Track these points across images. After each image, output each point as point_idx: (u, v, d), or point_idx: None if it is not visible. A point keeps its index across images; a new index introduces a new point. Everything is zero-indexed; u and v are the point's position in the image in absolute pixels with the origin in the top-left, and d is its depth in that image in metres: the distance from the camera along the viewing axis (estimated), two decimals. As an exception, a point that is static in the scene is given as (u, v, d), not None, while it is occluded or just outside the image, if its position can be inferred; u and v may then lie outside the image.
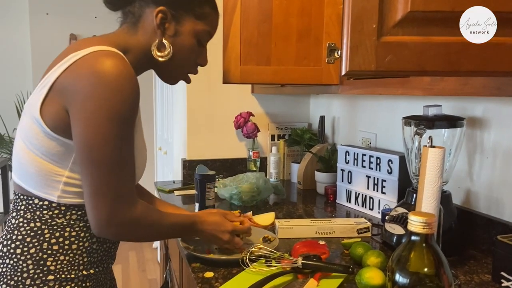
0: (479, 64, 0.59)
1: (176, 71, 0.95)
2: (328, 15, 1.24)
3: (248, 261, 1.03)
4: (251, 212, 1.41)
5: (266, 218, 1.36)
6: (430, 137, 0.98)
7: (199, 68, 1.00)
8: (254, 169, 2.06)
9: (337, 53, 1.19)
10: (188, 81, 1.00)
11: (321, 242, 1.13)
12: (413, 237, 0.63)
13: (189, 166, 2.06)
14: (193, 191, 1.79)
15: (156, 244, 3.62)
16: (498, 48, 0.59)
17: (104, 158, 0.77)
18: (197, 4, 0.91)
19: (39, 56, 4.29)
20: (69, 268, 0.85)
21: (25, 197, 0.85)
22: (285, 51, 1.29)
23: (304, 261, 1.00)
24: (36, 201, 0.84)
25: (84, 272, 0.87)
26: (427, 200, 0.97)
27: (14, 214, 0.87)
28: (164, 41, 0.89)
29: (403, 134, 1.22)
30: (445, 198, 1.12)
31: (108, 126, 0.76)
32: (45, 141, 0.81)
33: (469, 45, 0.59)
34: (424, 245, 0.62)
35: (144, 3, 0.89)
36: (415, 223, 0.62)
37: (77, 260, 0.86)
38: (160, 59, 0.89)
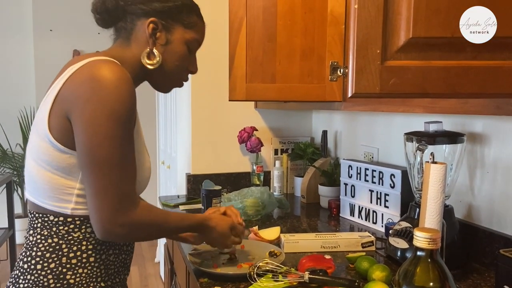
0: (479, 87, 0.63)
1: (169, 78, 0.99)
2: (330, 35, 1.28)
3: (255, 276, 1.05)
4: (257, 226, 1.43)
5: (272, 232, 1.38)
6: (432, 153, 1.01)
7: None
8: (258, 183, 2.08)
9: (340, 71, 1.22)
10: (181, 86, 1.05)
11: (327, 257, 1.15)
12: (418, 252, 0.66)
13: (193, 180, 2.08)
14: (198, 206, 1.82)
15: (159, 258, 3.62)
16: (497, 72, 0.62)
17: (105, 158, 0.80)
18: (185, 14, 0.96)
19: (42, 72, 4.34)
20: (87, 280, 0.88)
21: (41, 215, 0.88)
22: (289, 69, 1.32)
23: (311, 276, 1.02)
24: (51, 217, 0.87)
25: (102, 284, 0.90)
26: (430, 215, 1.00)
27: (32, 231, 0.90)
28: (154, 50, 0.93)
29: (405, 149, 1.25)
30: (447, 212, 1.15)
31: (107, 126, 0.79)
32: (55, 155, 0.84)
33: (469, 69, 0.62)
34: (429, 260, 0.65)
35: (135, 17, 0.93)
36: (421, 239, 0.64)
37: (95, 273, 0.89)
38: (150, 66, 0.93)
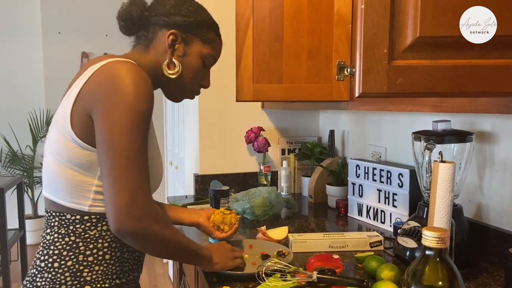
0: (487, 86, 0.62)
1: (182, 89, 1.02)
2: (337, 35, 1.28)
3: (263, 276, 1.06)
4: (265, 226, 1.44)
5: (280, 232, 1.38)
6: (440, 153, 1.01)
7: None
8: (265, 183, 2.09)
9: (347, 70, 1.23)
10: (192, 98, 1.08)
11: (335, 256, 1.15)
12: (427, 252, 0.66)
13: (201, 181, 2.09)
14: (206, 206, 1.82)
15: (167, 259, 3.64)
16: (506, 70, 0.62)
17: (124, 149, 0.81)
18: (204, 29, 1.01)
19: (51, 74, 4.39)
20: (103, 277, 0.90)
21: (58, 214, 0.90)
22: (296, 69, 1.33)
23: (319, 275, 1.02)
24: (68, 216, 0.89)
25: (117, 281, 0.92)
26: (439, 214, 0.99)
27: (49, 230, 0.91)
28: (174, 60, 0.97)
29: (413, 148, 1.24)
30: (456, 211, 1.14)
31: (127, 118, 0.82)
32: (76, 151, 0.86)
33: (477, 67, 0.62)
34: (438, 259, 0.65)
35: (158, 27, 0.98)
36: (429, 238, 0.64)
37: (110, 270, 0.91)
38: (171, 76, 0.97)
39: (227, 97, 2.10)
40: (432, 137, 1.14)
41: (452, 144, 1.18)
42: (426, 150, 1.14)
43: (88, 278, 0.88)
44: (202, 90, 2.17)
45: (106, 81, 0.84)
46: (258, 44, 1.33)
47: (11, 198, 3.36)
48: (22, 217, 2.58)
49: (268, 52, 1.33)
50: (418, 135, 1.19)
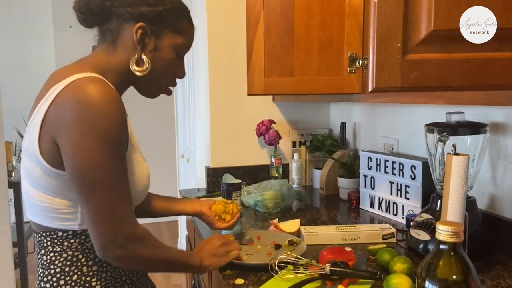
0: (502, 79, 0.62)
1: (156, 84, 0.96)
2: (349, 26, 1.26)
3: (277, 268, 1.07)
4: (277, 219, 1.44)
5: (292, 225, 1.39)
6: (454, 145, 1.00)
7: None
8: (277, 175, 2.09)
9: (358, 62, 1.22)
10: (169, 93, 1.00)
11: (348, 249, 1.16)
12: (441, 246, 0.66)
13: (213, 173, 2.11)
14: (219, 198, 1.84)
15: (182, 248, 3.68)
16: (520, 63, 0.61)
17: (98, 183, 0.78)
18: (174, 19, 0.92)
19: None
20: (113, 282, 0.89)
21: (48, 233, 0.86)
22: (308, 62, 1.32)
23: (332, 268, 1.03)
24: (60, 233, 0.86)
25: (128, 281, 0.93)
26: (453, 207, 0.99)
27: (43, 251, 0.87)
28: (143, 56, 0.89)
29: (426, 140, 1.24)
30: (470, 203, 1.14)
31: (97, 151, 0.77)
32: (50, 179, 0.82)
33: (492, 60, 0.61)
34: (452, 253, 0.65)
35: (122, 20, 0.89)
36: (443, 232, 0.64)
37: (118, 273, 0.91)
38: (138, 73, 0.89)
39: (238, 90, 2.10)
40: (445, 129, 1.13)
41: (466, 136, 1.17)
42: (439, 142, 1.13)
43: (98, 286, 0.87)
44: (212, 84, 2.19)
45: (70, 107, 0.77)
46: (269, 37, 1.33)
47: (26, 191, 3.42)
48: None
49: (279, 45, 1.32)
50: (431, 127, 1.18)
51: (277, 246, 1.24)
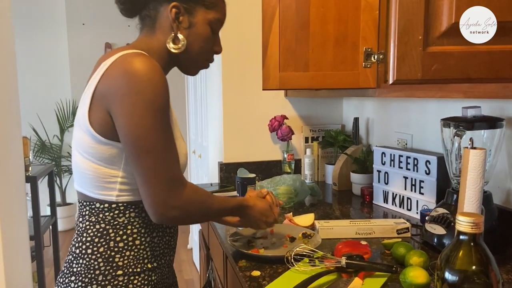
0: (524, 71, 0.62)
1: (195, 61, 1.01)
2: (364, 21, 1.27)
3: (292, 260, 1.08)
4: (291, 213, 1.46)
5: (306, 219, 1.40)
6: (471, 139, 1.00)
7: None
8: (289, 171, 2.10)
9: (374, 57, 1.22)
10: (207, 67, 1.06)
11: (363, 242, 1.16)
12: (461, 237, 0.66)
13: (226, 169, 2.12)
14: (232, 193, 1.86)
15: (191, 245, 3.72)
16: (542, 55, 0.62)
17: (151, 147, 0.84)
18: None
19: (77, 64, 4.48)
20: (135, 262, 0.93)
21: (88, 203, 0.94)
22: (323, 56, 1.33)
23: (348, 261, 1.03)
24: (97, 205, 0.93)
25: (149, 266, 0.95)
26: (469, 201, 0.99)
27: (81, 219, 0.95)
28: (178, 34, 0.95)
29: (442, 135, 1.23)
30: (486, 198, 1.13)
31: (147, 116, 0.83)
32: (98, 147, 0.89)
33: (513, 52, 0.62)
34: (472, 244, 0.65)
35: (158, 3, 0.95)
36: (463, 223, 0.65)
37: (141, 255, 0.94)
38: (175, 51, 0.95)
39: (250, 85, 2.11)
40: (461, 124, 1.13)
41: (482, 131, 1.17)
42: (455, 136, 1.13)
43: (120, 263, 0.91)
44: (225, 79, 2.21)
45: (121, 78, 0.84)
46: (284, 32, 1.34)
47: (41, 186, 3.48)
48: (53, 204, 2.67)
49: (294, 40, 1.33)
50: (447, 121, 1.18)
51: (292, 239, 1.26)
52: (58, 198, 4.37)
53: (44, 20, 4.47)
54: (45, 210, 3.18)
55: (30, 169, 2.35)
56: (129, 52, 0.88)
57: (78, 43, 4.49)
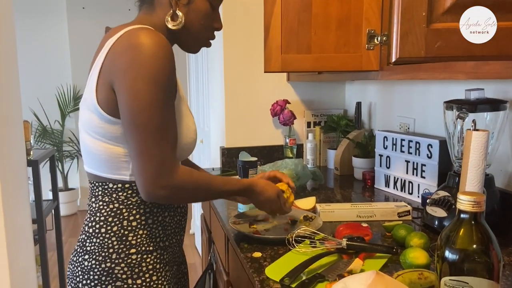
0: (529, 48, 0.61)
1: (196, 38, 0.99)
2: (367, 2, 1.25)
3: (293, 242, 1.08)
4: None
5: (308, 202, 1.41)
6: (473, 121, 1.00)
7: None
8: (291, 155, 2.10)
9: (377, 39, 1.21)
10: (208, 45, 1.04)
11: (364, 225, 1.16)
12: (462, 215, 0.66)
13: (227, 153, 2.12)
14: (235, 177, 1.86)
15: (193, 230, 3.74)
16: (548, 32, 0.61)
17: (147, 122, 0.82)
18: None
19: (77, 49, 4.45)
20: (148, 241, 0.94)
21: (101, 183, 0.94)
22: (325, 39, 1.31)
23: (349, 242, 1.04)
24: (110, 185, 0.93)
25: (161, 244, 0.96)
26: (471, 183, 0.99)
27: (94, 199, 0.96)
28: (177, 11, 0.93)
29: (445, 118, 1.23)
30: (488, 181, 1.13)
31: (148, 91, 0.82)
32: (107, 126, 0.88)
33: (518, 29, 0.61)
34: (473, 222, 0.65)
35: None
36: (464, 202, 0.65)
37: (154, 233, 0.95)
38: (173, 27, 0.93)
39: (252, 70, 2.10)
40: (464, 106, 1.12)
41: (485, 113, 1.16)
42: (458, 119, 1.12)
43: (134, 242, 0.92)
44: (227, 63, 2.19)
45: (126, 53, 0.83)
46: (286, 14, 1.32)
47: (43, 171, 3.49)
48: (55, 189, 2.68)
49: (297, 22, 1.32)
50: (450, 104, 1.17)
51: (293, 222, 1.26)
52: (60, 184, 4.39)
53: (44, 4, 4.44)
54: (48, 195, 3.19)
55: (31, 153, 2.35)
56: (135, 27, 0.87)
57: (78, 27, 4.46)
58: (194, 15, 0.95)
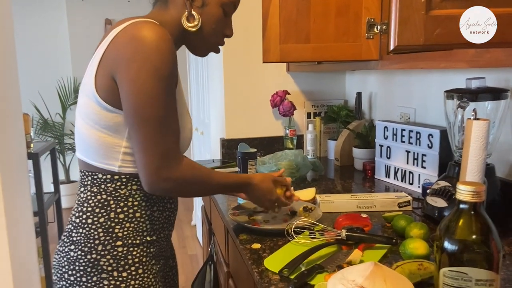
0: (530, 34, 0.60)
1: (206, 42, 1.00)
2: (367, -10, 1.23)
3: (293, 233, 1.08)
4: (293, 188, 1.45)
5: (308, 193, 1.40)
6: (474, 110, 0.99)
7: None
8: (291, 146, 2.09)
9: (377, 28, 1.19)
10: (217, 51, 1.04)
11: (364, 215, 1.16)
12: (461, 206, 0.65)
13: (227, 145, 2.12)
14: (233, 169, 1.85)
15: (195, 221, 3.75)
16: (550, 18, 0.59)
17: (151, 115, 0.83)
18: None
19: (76, 41, 4.43)
20: (134, 234, 0.93)
21: (90, 173, 0.93)
22: (324, 28, 1.30)
23: (348, 233, 1.03)
24: (99, 175, 0.92)
25: (148, 238, 0.96)
26: (471, 173, 0.98)
27: (82, 189, 0.95)
28: (193, 12, 0.94)
29: (445, 107, 1.21)
30: (488, 170, 1.12)
31: (151, 84, 0.82)
32: (102, 114, 0.88)
33: (520, 15, 0.59)
34: (472, 212, 0.64)
35: None
36: (464, 192, 0.64)
37: (141, 227, 0.94)
38: (191, 29, 0.95)
39: (252, 60, 2.08)
40: (465, 95, 1.11)
41: (486, 102, 1.15)
42: (459, 108, 1.11)
43: (120, 234, 0.92)
44: (226, 54, 2.17)
45: (128, 44, 0.83)
46: (285, 3, 1.30)
47: (44, 164, 3.50)
48: (56, 181, 2.69)
49: (295, 11, 1.30)
50: (451, 93, 1.16)
51: (293, 213, 1.26)
52: (62, 176, 4.40)
53: (43, -4, 4.41)
54: (49, 188, 3.20)
55: (32, 145, 2.35)
56: (140, 20, 0.88)
57: (77, 19, 4.44)
58: (207, 18, 0.96)
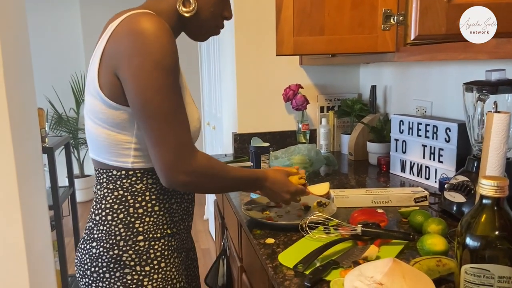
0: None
1: (205, 26, 0.97)
2: (383, -20, 1.20)
3: (307, 228, 1.06)
4: (306, 182, 1.43)
5: (321, 188, 1.38)
6: (495, 102, 0.96)
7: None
8: (304, 141, 2.07)
9: (393, 19, 1.16)
10: (217, 33, 1.02)
11: (379, 211, 1.14)
12: (484, 201, 0.63)
13: (240, 139, 2.11)
14: (246, 163, 1.84)
15: (207, 216, 3.76)
16: None
17: (159, 109, 0.82)
18: None
19: (90, 36, 4.46)
20: (155, 228, 0.93)
21: (105, 171, 0.93)
22: (339, 20, 1.27)
23: (364, 229, 1.02)
24: (114, 172, 0.92)
25: (169, 231, 0.96)
26: (492, 167, 0.96)
27: (99, 186, 0.95)
28: None
29: (464, 100, 1.18)
30: (509, 165, 1.09)
31: (155, 77, 0.81)
32: (108, 112, 0.87)
33: (547, 2, 0.57)
34: (495, 208, 0.62)
35: None
36: (487, 187, 0.62)
37: (161, 221, 0.94)
38: (186, 14, 0.92)
39: (264, 54, 2.06)
40: (485, 87, 1.08)
41: (507, 95, 1.11)
42: (478, 101, 1.08)
43: (140, 229, 0.92)
44: (238, 48, 2.16)
45: (127, 38, 0.82)
46: (299, -6, 1.28)
47: (59, 158, 3.53)
48: (71, 175, 2.71)
49: (310, 3, 1.28)
50: (470, 85, 1.13)
51: (306, 208, 1.24)
52: (76, 170, 4.45)
53: (56, -8, 4.43)
54: (64, 182, 3.23)
55: (46, 140, 2.37)
56: (136, 11, 0.86)
57: (91, 14, 4.46)
58: (204, 2, 0.94)
